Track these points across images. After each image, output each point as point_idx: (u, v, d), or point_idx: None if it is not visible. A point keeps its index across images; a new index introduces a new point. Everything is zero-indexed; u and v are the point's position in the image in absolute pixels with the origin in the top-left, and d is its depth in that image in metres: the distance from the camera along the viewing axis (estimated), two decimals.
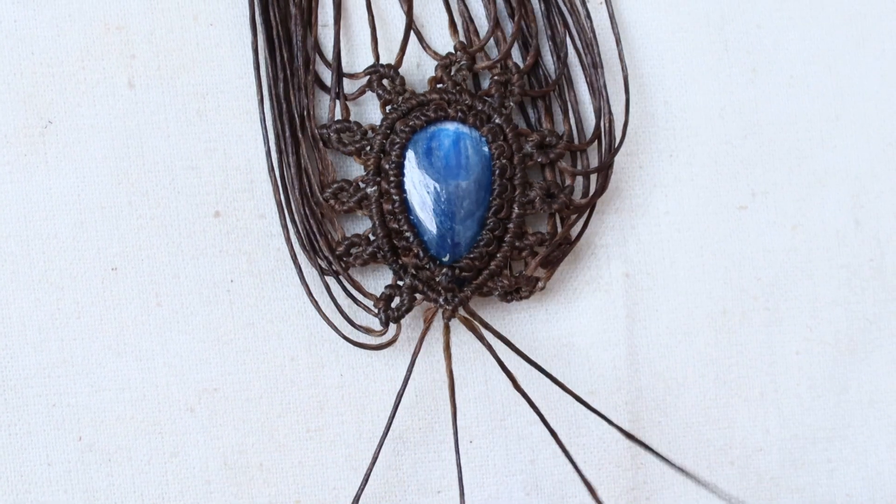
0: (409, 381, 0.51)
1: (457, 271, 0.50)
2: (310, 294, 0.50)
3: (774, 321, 0.54)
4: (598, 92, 0.52)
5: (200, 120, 0.51)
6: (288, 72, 0.50)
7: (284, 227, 0.50)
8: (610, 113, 0.52)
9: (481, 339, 0.50)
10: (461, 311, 0.50)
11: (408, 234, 0.50)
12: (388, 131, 0.50)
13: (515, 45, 0.52)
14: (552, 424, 0.51)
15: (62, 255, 0.50)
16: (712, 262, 0.54)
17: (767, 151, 0.54)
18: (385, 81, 0.51)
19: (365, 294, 0.50)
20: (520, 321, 0.53)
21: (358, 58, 0.52)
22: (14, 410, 0.50)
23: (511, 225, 0.50)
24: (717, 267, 0.54)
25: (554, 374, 0.51)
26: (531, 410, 0.51)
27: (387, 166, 0.50)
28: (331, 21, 0.52)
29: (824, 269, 0.54)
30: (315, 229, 0.50)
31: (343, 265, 0.50)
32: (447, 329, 0.50)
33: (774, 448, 0.54)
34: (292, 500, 0.51)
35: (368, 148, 0.50)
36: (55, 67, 0.51)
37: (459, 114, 0.50)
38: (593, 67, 0.52)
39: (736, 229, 0.54)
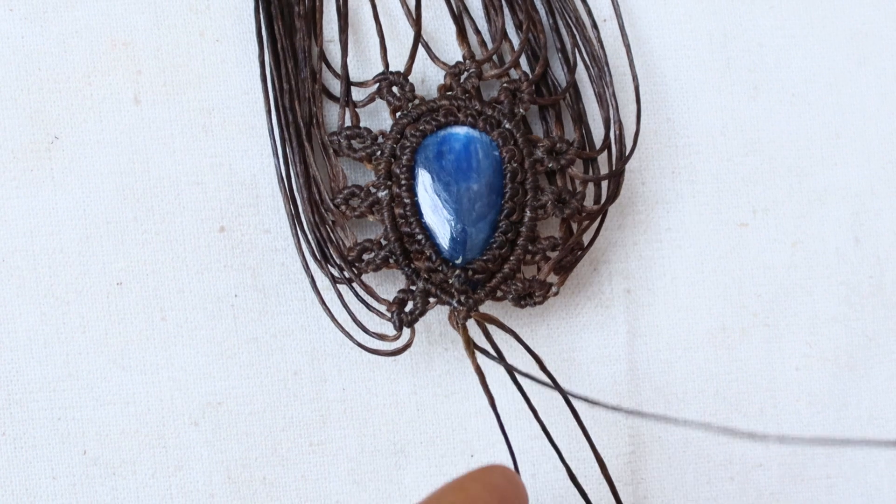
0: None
1: (469, 273, 0.49)
2: (322, 302, 0.50)
3: (774, 337, 0.54)
4: (607, 101, 0.52)
5: (206, 135, 0.51)
6: (294, 82, 0.50)
7: (295, 236, 0.50)
8: (620, 121, 0.52)
9: (502, 326, 0.50)
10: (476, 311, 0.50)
11: (420, 236, 0.49)
12: (399, 136, 0.50)
13: (524, 58, 0.52)
14: (553, 439, 0.51)
15: (67, 270, 0.51)
16: (713, 279, 0.54)
17: (768, 169, 0.54)
18: (395, 89, 0.51)
19: (378, 299, 0.50)
20: (522, 336, 0.53)
21: (365, 71, 0.52)
22: (19, 424, 0.50)
23: (523, 228, 0.50)
24: (717, 283, 0.54)
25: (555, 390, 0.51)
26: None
27: (397, 170, 0.49)
28: (336, 36, 0.52)
29: (824, 286, 0.54)
30: (326, 237, 0.50)
31: (355, 271, 0.50)
32: (465, 329, 0.50)
33: (774, 463, 0.54)
34: None
35: (379, 153, 0.50)
36: (61, 83, 0.51)
37: (469, 118, 0.50)
38: (601, 77, 0.52)
39: (736, 246, 0.54)
